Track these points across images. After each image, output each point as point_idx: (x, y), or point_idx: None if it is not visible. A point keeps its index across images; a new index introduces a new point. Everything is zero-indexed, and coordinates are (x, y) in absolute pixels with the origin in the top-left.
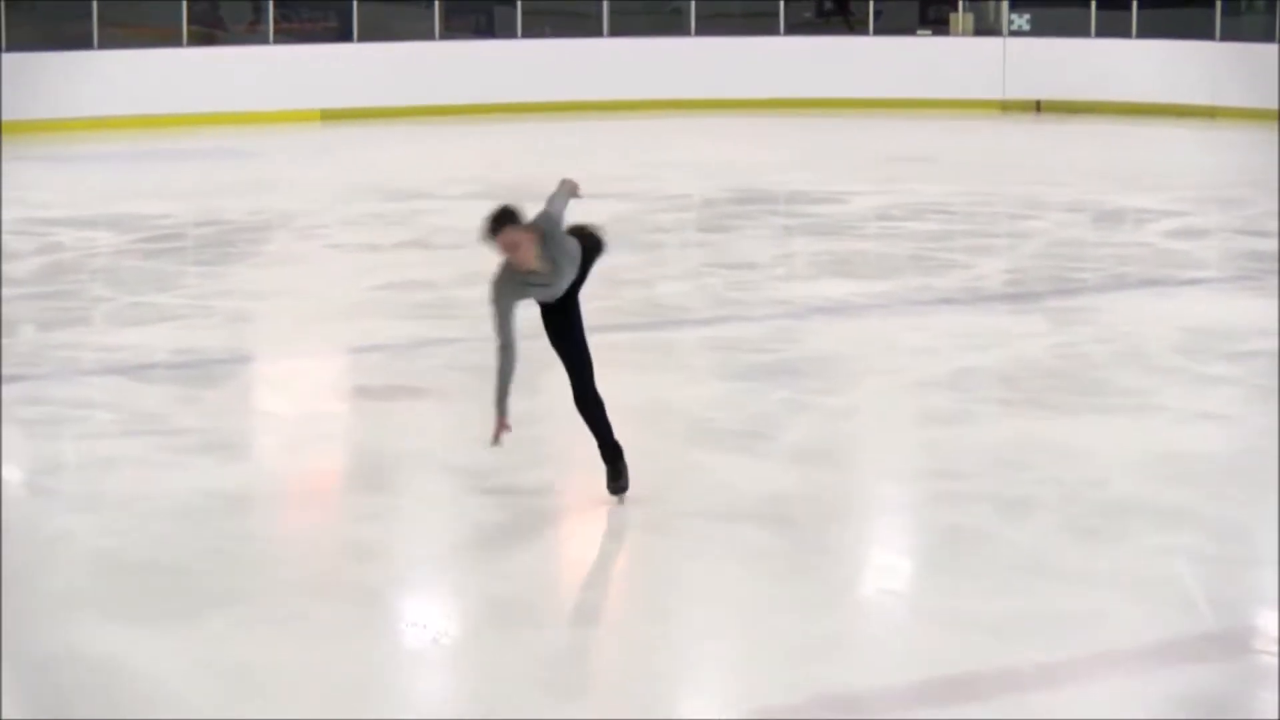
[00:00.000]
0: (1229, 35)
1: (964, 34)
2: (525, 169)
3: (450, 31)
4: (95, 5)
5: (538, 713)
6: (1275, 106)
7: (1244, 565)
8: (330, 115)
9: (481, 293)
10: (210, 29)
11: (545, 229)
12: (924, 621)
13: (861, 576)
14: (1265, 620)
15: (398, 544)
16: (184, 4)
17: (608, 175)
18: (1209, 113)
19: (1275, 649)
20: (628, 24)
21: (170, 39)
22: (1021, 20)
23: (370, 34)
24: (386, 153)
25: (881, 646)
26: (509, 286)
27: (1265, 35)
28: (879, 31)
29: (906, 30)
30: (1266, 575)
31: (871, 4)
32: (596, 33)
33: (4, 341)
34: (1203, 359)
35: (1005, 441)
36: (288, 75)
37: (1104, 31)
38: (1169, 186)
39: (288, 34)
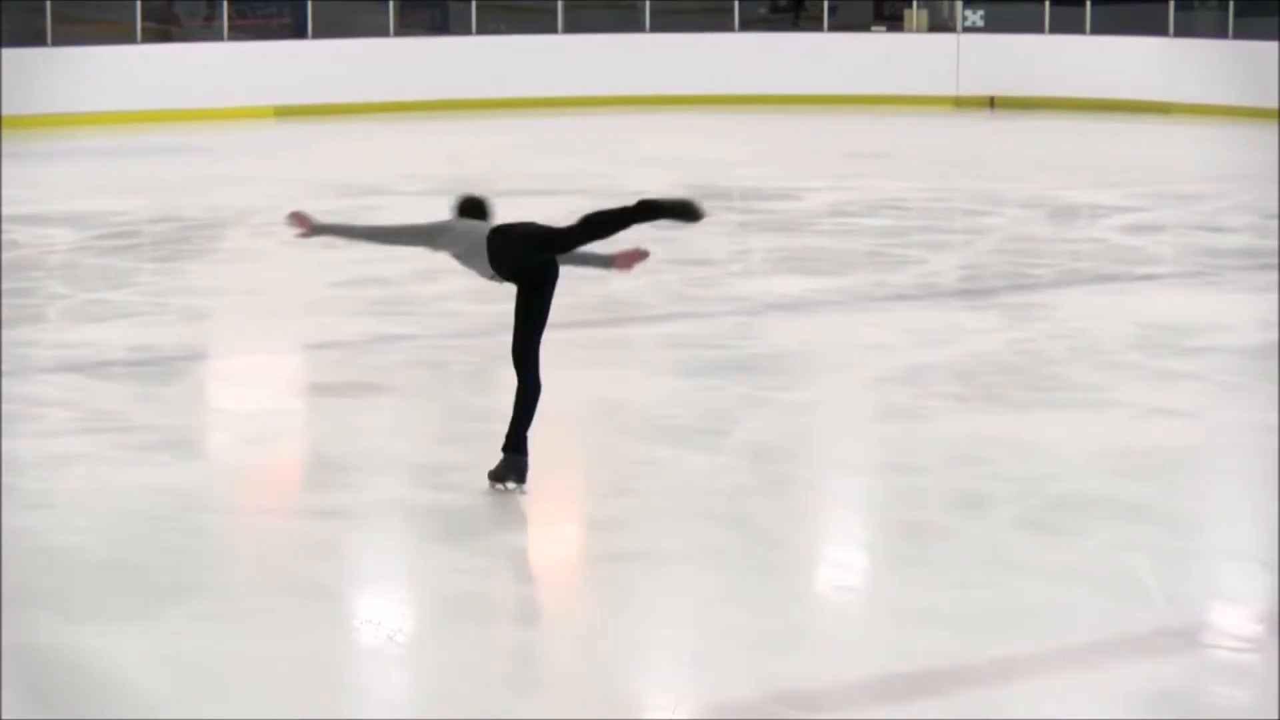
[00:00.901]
0: (1183, 31)
1: (918, 30)
2: (481, 165)
3: (405, 28)
4: (49, 2)
5: (495, 708)
6: (1229, 102)
7: (1200, 559)
8: (285, 112)
9: (437, 290)
10: (165, 25)
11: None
12: (881, 616)
13: (818, 572)
14: (1221, 614)
15: (354, 540)
16: (138, 0)
17: (563, 171)
18: (1163, 108)
19: (1232, 643)
20: (583, 20)
21: (125, 35)
22: (975, 16)
23: (325, 30)
24: (341, 149)
25: (839, 641)
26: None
27: (1219, 31)
28: (834, 28)
29: (861, 26)
30: (1222, 569)
31: (826, 0)
32: (552, 29)
33: None
34: (1158, 354)
35: (961, 437)
36: (242, 72)
37: (1058, 27)
38: (1124, 182)
39: (242, 30)
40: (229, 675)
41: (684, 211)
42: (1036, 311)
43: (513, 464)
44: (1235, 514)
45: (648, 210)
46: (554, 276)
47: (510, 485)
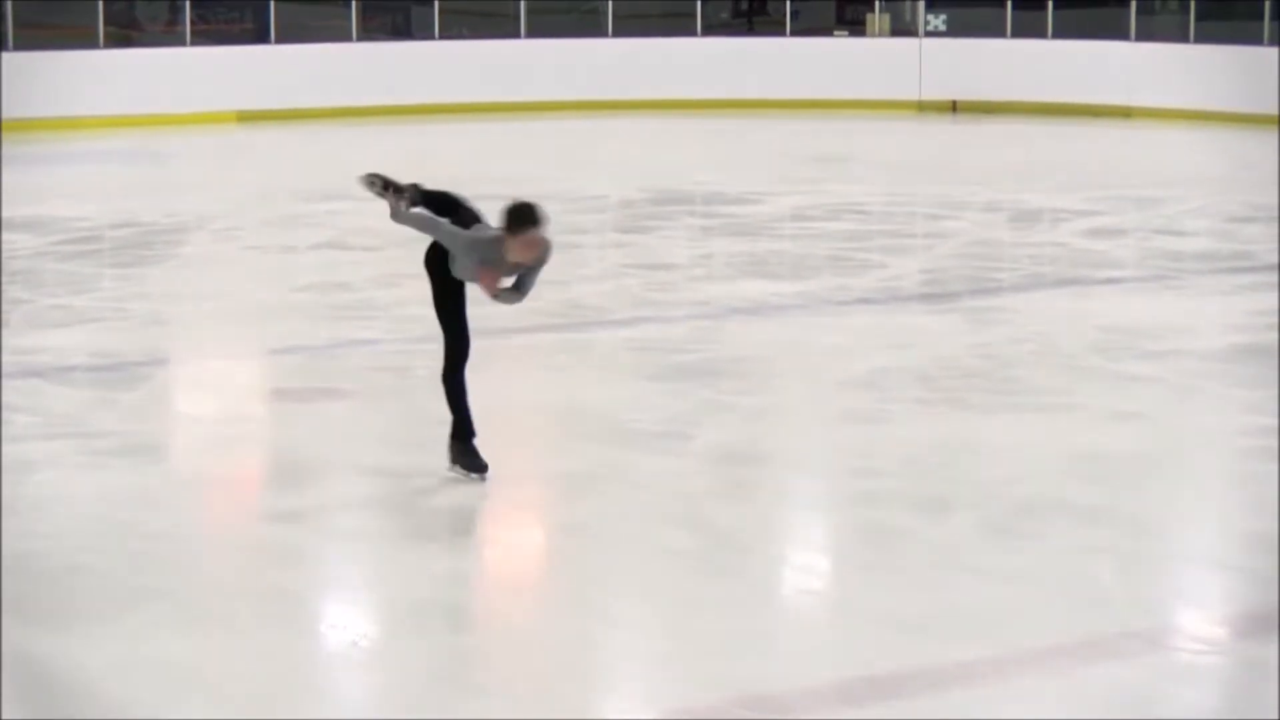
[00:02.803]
0: (1144, 35)
1: (880, 35)
2: (443, 170)
3: (367, 32)
4: (10, 5)
5: (459, 713)
6: (1190, 106)
7: (1161, 562)
8: (247, 116)
9: (399, 295)
10: (127, 30)
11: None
12: (843, 620)
13: (781, 576)
14: (1183, 617)
15: (318, 545)
16: (100, 4)
17: (525, 176)
18: (1125, 112)
19: (1193, 645)
20: (545, 25)
21: (87, 40)
22: (938, 21)
23: (287, 35)
24: (303, 154)
25: (801, 645)
26: (483, 252)
27: (1180, 35)
28: (796, 32)
29: (824, 31)
30: (1184, 572)
31: (788, 4)
32: (514, 34)
33: None
34: (1119, 358)
35: (923, 440)
36: (204, 76)
37: (1020, 32)
38: (1085, 186)
39: (204, 35)
40: (194, 680)
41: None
42: (998, 315)
43: (471, 451)
44: (1196, 517)
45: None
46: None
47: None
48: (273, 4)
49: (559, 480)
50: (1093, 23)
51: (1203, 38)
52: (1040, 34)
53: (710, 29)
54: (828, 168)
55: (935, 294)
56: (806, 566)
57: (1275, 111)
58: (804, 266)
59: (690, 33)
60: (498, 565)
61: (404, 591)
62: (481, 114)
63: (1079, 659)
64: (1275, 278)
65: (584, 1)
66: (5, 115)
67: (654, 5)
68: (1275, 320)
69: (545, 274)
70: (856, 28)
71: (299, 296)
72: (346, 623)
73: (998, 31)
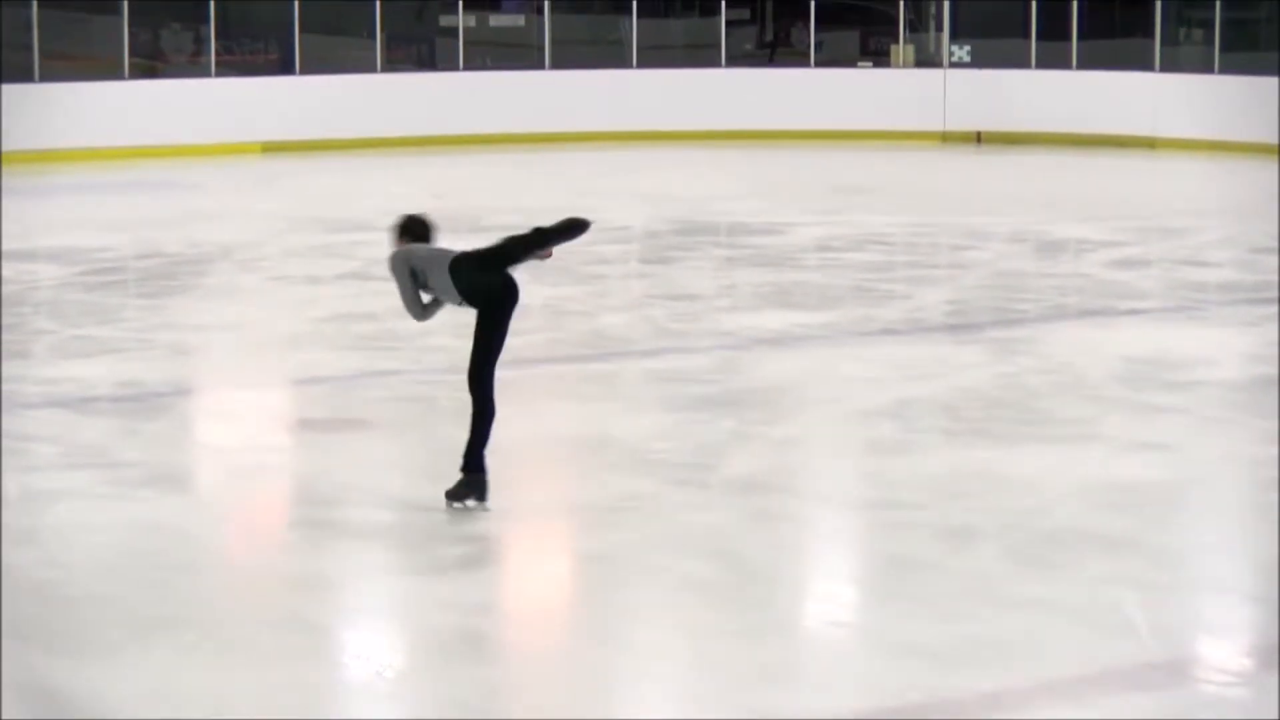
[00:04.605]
0: (1168, 66)
1: (905, 66)
2: (467, 201)
3: (392, 64)
4: (36, 36)
5: None
6: (1215, 136)
7: (1186, 593)
8: (272, 147)
9: (422, 325)
10: (152, 61)
11: None
12: (868, 650)
13: (805, 606)
14: (1207, 648)
15: (341, 575)
16: (125, 36)
17: (549, 207)
18: (1149, 143)
19: (1218, 677)
20: (569, 56)
21: (112, 71)
22: (962, 52)
23: (312, 66)
24: (328, 185)
25: (826, 675)
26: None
27: (1204, 66)
28: (820, 63)
29: (848, 62)
30: (1208, 603)
31: (813, 36)
32: (538, 64)
33: None
34: (1144, 389)
35: (947, 471)
36: (229, 107)
37: (1044, 63)
38: (1110, 217)
39: (229, 66)
40: (216, 710)
41: (572, 230)
42: (1022, 346)
43: (473, 483)
44: (1220, 548)
45: (545, 237)
46: (510, 298)
47: (471, 504)
48: (298, 35)
49: (583, 511)
50: (1117, 54)
51: (1228, 69)
52: (1065, 65)
53: (734, 60)
54: (852, 198)
55: (959, 324)
56: (831, 597)
57: None
58: (828, 297)
59: (714, 64)
60: (522, 596)
61: (428, 622)
62: (505, 145)
63: (1103, 690)
64: None
65: (608, 33)
66: (31, 145)
67: (678, 36)
68: None
69: (570, 305)
70: (881, 59)
71: (323, 327)
72: (370, 654)
73: (1022, 63)
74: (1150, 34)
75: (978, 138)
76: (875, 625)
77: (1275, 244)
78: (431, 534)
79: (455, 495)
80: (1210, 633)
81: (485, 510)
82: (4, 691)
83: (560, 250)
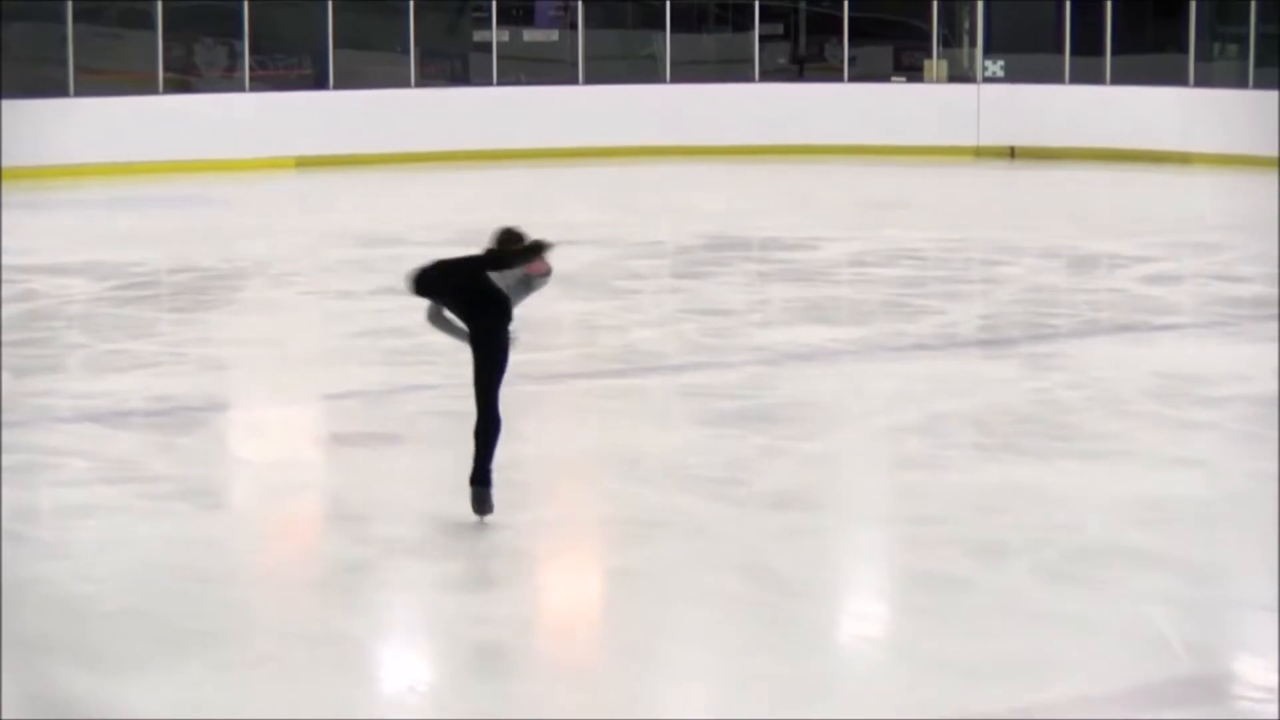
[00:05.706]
0: (1202, 81)
1: (938, 81)
2: (500, 216)
3: (425, 79)
4: (71, 51)
5: None
6: (1248, 152)
7: (1220, 609)
8: (305, 162)
9: (454, 340)
10: (185, 76)
11: None
12: (900, 666)
13: (838, 622)
14: (1241, 665)
15: (374, 590)
16: (159, 51)
17: (583, 222)
18: (1182, 158)
19: (1252, 693)
20: (603, 71)
21: (146, 86)
22: (996, 67)
23: (345, 81)
24: (361, 200)
25: (857, 691)
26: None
27: (1238, 81)
28: (854, 78)
29: (881, 77)
30: (1242, 619)
31: (846, 51)
32: (572, 80)
33: None
34: (1177, 404)
35: (980, 486)
36: (263, 122)
37: (1078, 78)
38: (1143, 232)
39: (263, 81)
40: None
41: (538, 249)
42: (1055, 361)
43: (479, 496)
44: (1254, 564)
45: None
46: (493, 309)
47: (477, 517)
48: (331, 50)
49: (616, 525)
50: (1151, 69)
51: (1261, 83)
52: (1098, 80)
53: (767, 75)
54: (885, 213)
55: (992, 340)
56: (864, 613)
57: None
58: (861, 312)
59: (748, 79)
60: (554, 611)
61: (461, 637)
62: (539, 160)
63: (1136, 706)
64: None
65: (642, 48)
66: (65, 160)
67: (711, 51)
68: None
69: (602, 320)
70: (914, 73)
71: (356, 342)
72: (403, 668)
73: (1056, 77)
74: (1184, 49)
75: (1011, 153)
76: (907, 641)
77: None
78: (464, 548)
79: (479, 509)
80: (1244, 649)
81: (483, 523)
82: (37, 705)
83: (593, 265)
